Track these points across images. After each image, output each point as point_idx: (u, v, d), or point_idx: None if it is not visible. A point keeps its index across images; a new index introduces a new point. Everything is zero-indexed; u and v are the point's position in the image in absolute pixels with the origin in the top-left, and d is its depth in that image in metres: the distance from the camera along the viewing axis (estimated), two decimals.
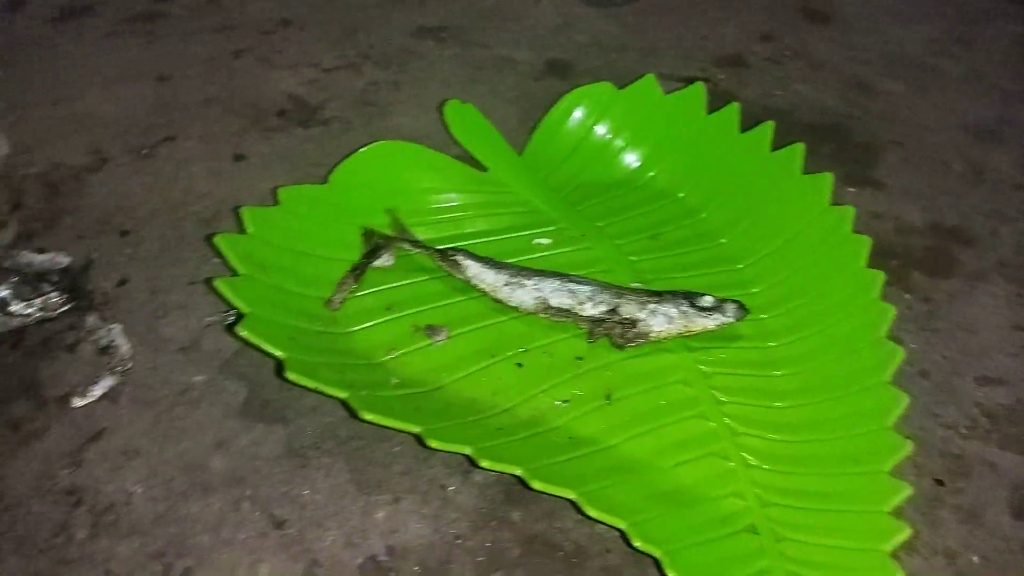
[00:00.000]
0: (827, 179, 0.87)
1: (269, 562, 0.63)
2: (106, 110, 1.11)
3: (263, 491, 0.68)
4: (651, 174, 1.02)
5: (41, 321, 0.80)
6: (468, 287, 0.84)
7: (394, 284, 0.85)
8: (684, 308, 0.79)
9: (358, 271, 0.84)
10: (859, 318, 0.77)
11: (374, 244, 0.86)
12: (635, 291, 0.81)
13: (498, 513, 0.67)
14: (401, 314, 0.82)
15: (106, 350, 0.77)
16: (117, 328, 0.78)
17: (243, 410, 0.74)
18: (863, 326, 0.77)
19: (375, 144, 0.96)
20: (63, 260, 0.85)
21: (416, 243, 0.87)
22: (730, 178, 0.95)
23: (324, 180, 0.98)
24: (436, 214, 0.94)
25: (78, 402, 0.73)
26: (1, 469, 0.68)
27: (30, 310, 0.78)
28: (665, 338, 0.79)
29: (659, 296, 0.80)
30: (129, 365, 0.76)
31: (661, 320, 0.78)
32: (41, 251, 0.86)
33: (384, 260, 0.86)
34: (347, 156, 0.94)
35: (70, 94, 1.13)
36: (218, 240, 0.77)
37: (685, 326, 0.79)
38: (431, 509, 0.67)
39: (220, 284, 0.72)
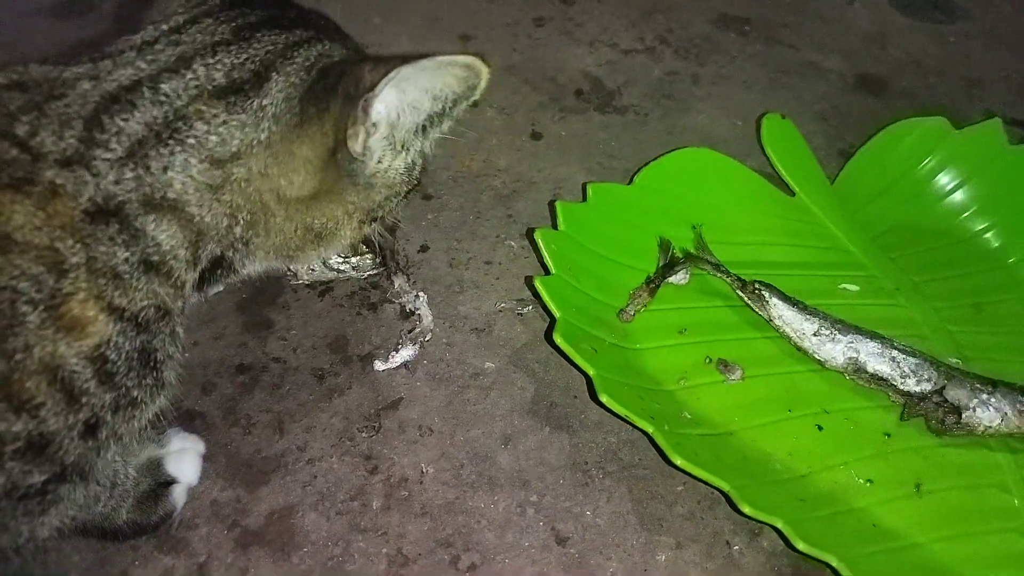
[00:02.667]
0: None
1: None
2: None
3: (547, 501, 0.67)
4: (979, 228, 0.91)
5: (348, 279, 0.83)
6: (765, 324, 0.79)
7: (687, 305, 0.82)
8: (1022, 408, 0.70)
9: (654, 285, 0.81)
10: None
11: (671, 259, 0.83)
12: (965, 374, 0.72)
13: None
14: (693, 340, 0.78)
15: (409, 316, 0.79)
16: (424, 297, 0.80)
17: (531, 408, 0.74)
18: None
19: (684, 150, 0.92)
20: None
21: (718, 266, 0.82)
22: None
23: (619, 174, 0.96)
24: (739, 235, 0.88)
25: (380, 366, 0.75)
26: (308, 419, 0.72)
27: (345, 267, 0.81)
28: (991, 435, 0.70)
29: (993, 386, 0.71)
30: (429, 337, 0.78)
31: (992, 415, 0.70)
32: None
33: (679, 277, 0.83)
34: (654, 158, 0.91)
35: (380, 42, 1.16)
36: (538, 234, 0.76)
37: (1019, 427, 0.70)
38: (714, 565, 0.64)
39: (539, 283, 0.72)
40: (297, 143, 0.51)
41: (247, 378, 0.75)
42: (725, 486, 0.61)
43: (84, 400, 0.47)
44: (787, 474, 0.68)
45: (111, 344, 0.47)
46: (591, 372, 0.67)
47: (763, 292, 0.79)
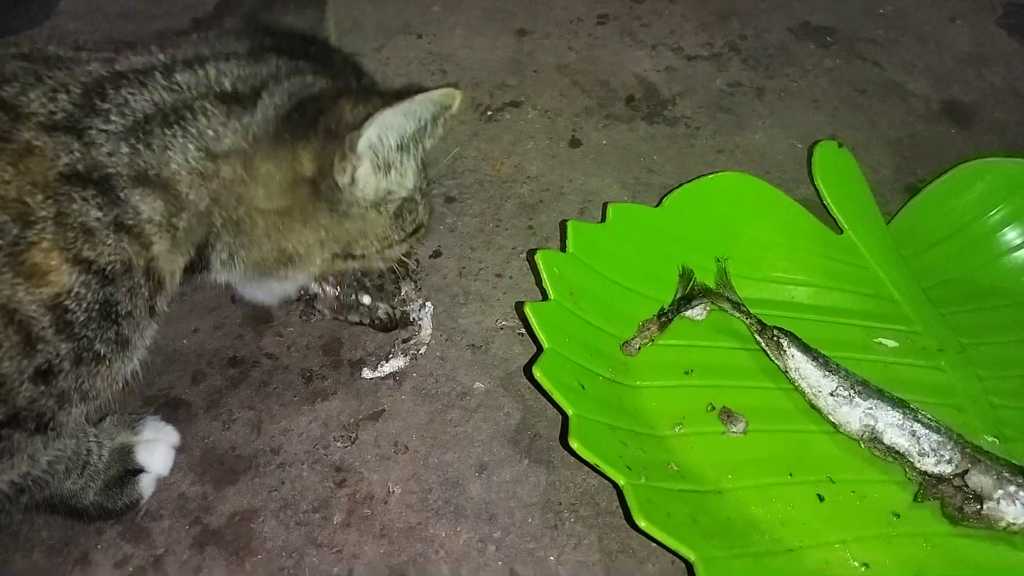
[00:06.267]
0: None
1: None
2: (464, 56, 1.10)
3: (511, 539, 0.64)
4: None
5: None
6: (781, 375, 0.73)
7: (699, 343, 0.77)
8: None
9: (666, 318, 0.76)
10: None
11: (690, 291, 0.77)
12: (995, 459, 0.65)
13: None
14: (698, 383, 0.73)
15: (409, 325, 0.77)
16: (429, 308, 0.77)
17: (513, 437, 0.71)
18: None
19: (723, 174, 0.85)
20: None
21: (738, 305, 0.76)
22: None
23: (655, 191, 0.91)
24: (771, 271, 0.82)
25: (368, 373, 0.74)
26: (288, 421, 0.71)
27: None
28: (1015, 532, 0.63)
29: None
30: (423, 350, 0.75)
31: (1019, 510, 0.62)
32: None
33: (696, 312, 0.78)
34: (692, 179, 0.85)
35: (436, 32, 1.14)
36: (539, 257, 0.72)
37: None
38: None
39: (529, 310, 0.68)
40: (268, 162, 0.54)
41: (237, 372, 0.75)
42: (691, 556, 0.56)
43: (40, 347, 0.48)
44: (773, 547, 0.62)
45: (72, 294, 0.48)
46: (570, 412, 0.63)
47: (782, 340, 0.72)
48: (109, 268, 0.50)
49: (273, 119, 0.53)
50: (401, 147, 0.55)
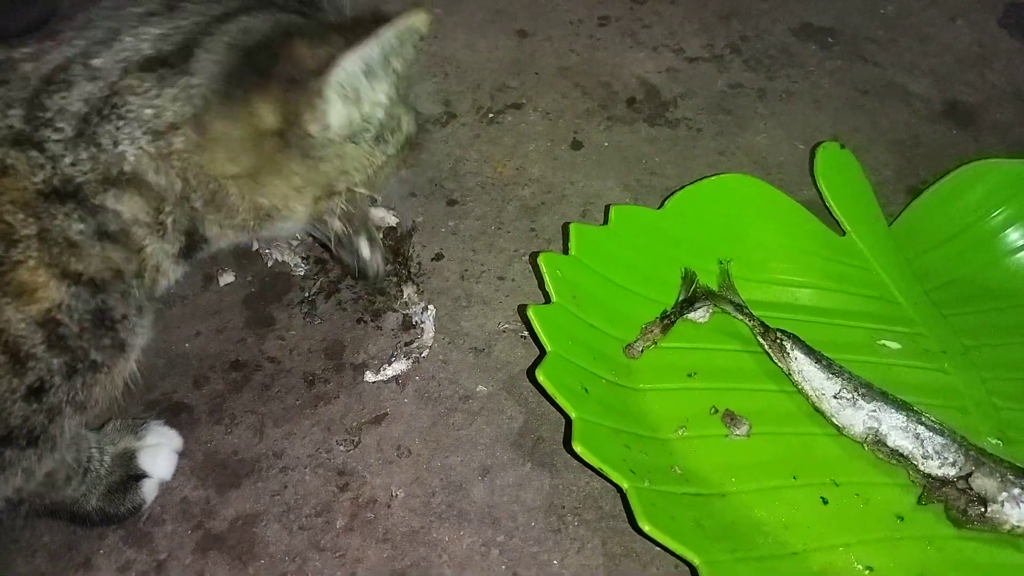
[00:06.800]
0: None
1: None
2: (464, 57, 1.10)
3: (514, 543, 0.64)
4: None
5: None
6: (784, 377, 0.73)
7: (702, 346, 0.76)
8: None
9: (668, 321, 0.76)
10: None
11: (693, 293, 0.77)
12: (999, 461, 0.64)
13: None
14: (701, 386, 0.73)
15: (411, 328, 0.77)
16: (432, 311, 0.77)
17: (516, 441, 0.70)
18: None
19: (725, 176, 0.85)
20: (391, 220, 0.86)
21: (741, 308, 0.76)
22: None
23: (657, 193, 0.91)
24: (774, 273, 0.82)
25: (370, 377, 0.74)
26: (291, 425, 0.71)
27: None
28: (1019, 535, 0.63)
29: None
30: (425, 353, 0.75)
31: (1023, 513, 0.62)
32: (374, 201, 0.88)
33: (699, 315, 0.77)
34: (694, 181, 0.85)
35: (437, 32, 1.14)
36: (541, 259, 0.72)
37: None
38: None
39: (532, 313, 0.68)
40: (225, 123, 0.50)
41: (239, 376, 0.75)
42: (695, 559, 0.56)
43: (31, 364, 0.48)
44: (776, 550, 0.62)
45: (63, 307, 0.48)
46: (573, 415, 0.63)
47: (785, 343, 0.72)
48: (99, 277, 0.49)
49: (217, 75, 0.49)
50: (370, 73, 0.51)
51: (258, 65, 0.49)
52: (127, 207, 0.49)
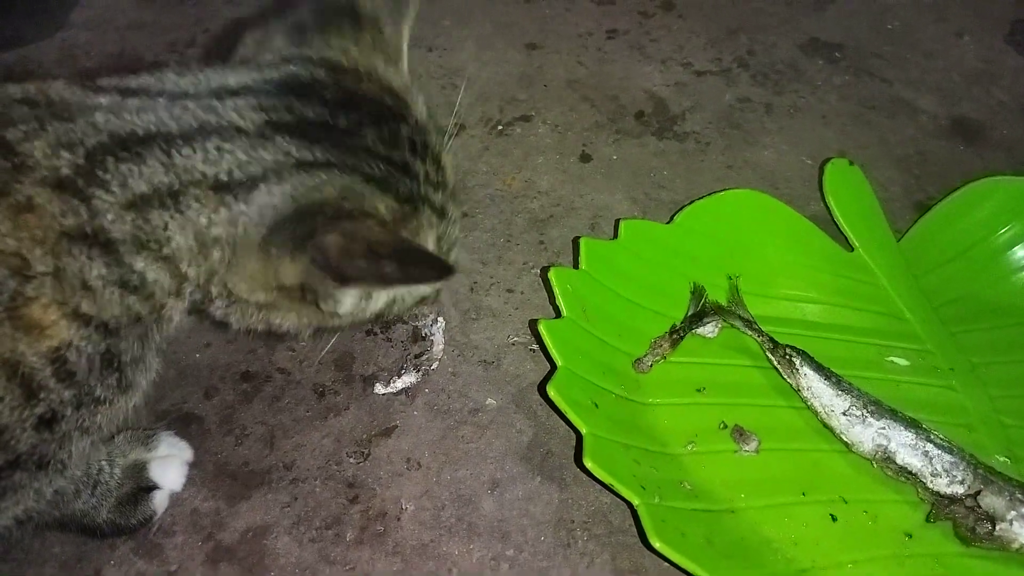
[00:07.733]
0: None
1: None
2: (474, 70, 1.10)
3: (524, 557, 0.64)
4: None
5: None
6: (793, 393, 0.73)
7: (711, 361, 0.77)
8: None
9: (677, 336, 0.76)
10: None
11: (702, 309, 0.78)
12: (1008, 480, 0.65)
13: None
14: (711, 401, 0.73)
15: (420, 340, 0.77)
16: (441, 323, 0.78)
17: (525, 454, 0.71)
18: None
19: (734, 191, 0.86)
20: None
21: (750, 323, 0.77)
22: None
23: (665, 207, 0.92)
24: (782, 289, 0.82)
25: (380, 389, 0.74)
26: (300, 436, 0.71)
27: None
28: None
29: None
30: (435, 366, 0.76)
31: None
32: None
33: (708, 330, 0.78)
34: (703, 196, 0.86)
35: (447, 44, 1.14)
36: (552, 274, 0.72)
37: None
38: None
39: (543, 328, 0.68)
40: (251, 261, 0.51)
41: (249, 387, 0.75)
42: None
43: (42, 395, 0.48)
44: (785, 566, 0.62)
45: (71, 347, 0.48)
46: (583, 430, 0.63)
47: (794, 359, 0.73)
48: (112, 322, 0.49)
49: (268, 220, 0.49)
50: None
51: (301, 231, 0.49)
52: (154, 274, 0.50)
